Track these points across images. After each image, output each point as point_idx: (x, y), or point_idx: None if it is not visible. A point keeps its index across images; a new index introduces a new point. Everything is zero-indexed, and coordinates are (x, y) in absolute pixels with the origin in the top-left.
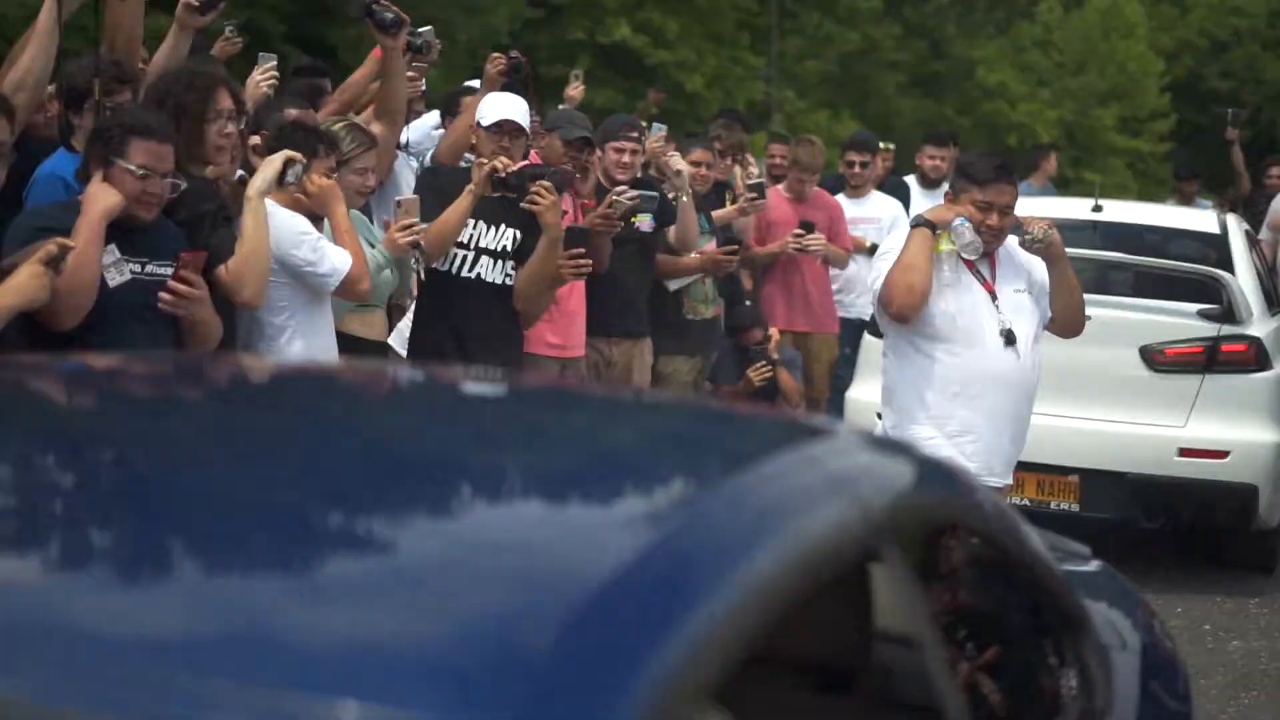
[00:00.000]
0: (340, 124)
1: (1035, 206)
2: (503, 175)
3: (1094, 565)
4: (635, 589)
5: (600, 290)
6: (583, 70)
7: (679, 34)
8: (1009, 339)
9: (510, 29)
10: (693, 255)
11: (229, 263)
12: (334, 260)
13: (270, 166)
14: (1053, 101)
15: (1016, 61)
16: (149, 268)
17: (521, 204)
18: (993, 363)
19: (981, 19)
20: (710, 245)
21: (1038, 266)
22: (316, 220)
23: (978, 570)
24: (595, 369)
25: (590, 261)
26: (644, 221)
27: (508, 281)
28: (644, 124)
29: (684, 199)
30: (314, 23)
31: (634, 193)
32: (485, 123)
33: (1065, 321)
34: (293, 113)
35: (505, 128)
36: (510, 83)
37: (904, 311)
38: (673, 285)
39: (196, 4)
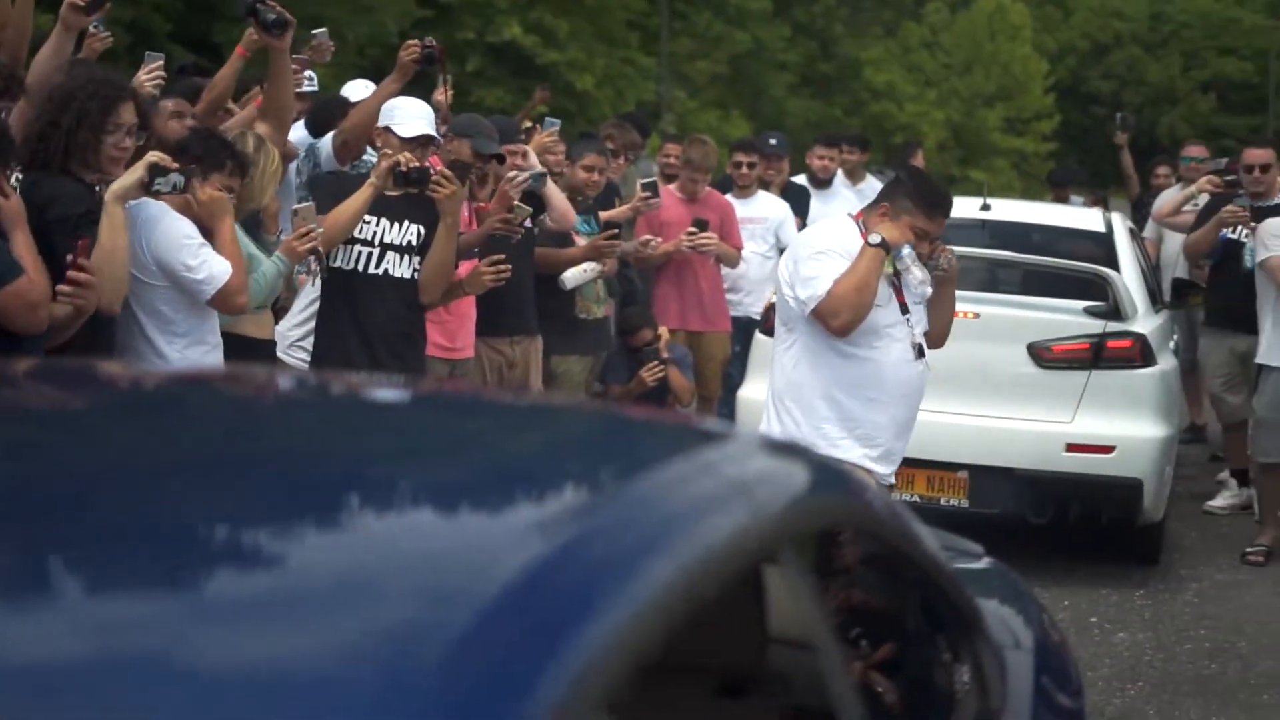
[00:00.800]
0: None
1: None
2: (404, 170)
3: (986, 563)
4: (532, 600)
5: (493, 291)
6: (451, 75)
7: (569, 34)
8: (919, 352)
9: (400, 28)
10: (577, 246)
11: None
12: (214, 269)
13: (133, 173)
14: (939, 102)
15: (904, 62)
16: None
17: (424, 191)
18: (904, 373)
19: (869, 19)
20: None
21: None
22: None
23: (871, 571)
24: (498, 371)
25: (510, 267)
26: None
27: (415, 275)
28: (529, 123)
29: (539, 172)
30: (199, 20)
31: (523, 176)
32: (403, 134)
33: (940, 334)
34: (169, 105)
35: (420, 141)
36: (424, 70)
37: (849, 327)
38: (569, 283)
39: (81, 3)
